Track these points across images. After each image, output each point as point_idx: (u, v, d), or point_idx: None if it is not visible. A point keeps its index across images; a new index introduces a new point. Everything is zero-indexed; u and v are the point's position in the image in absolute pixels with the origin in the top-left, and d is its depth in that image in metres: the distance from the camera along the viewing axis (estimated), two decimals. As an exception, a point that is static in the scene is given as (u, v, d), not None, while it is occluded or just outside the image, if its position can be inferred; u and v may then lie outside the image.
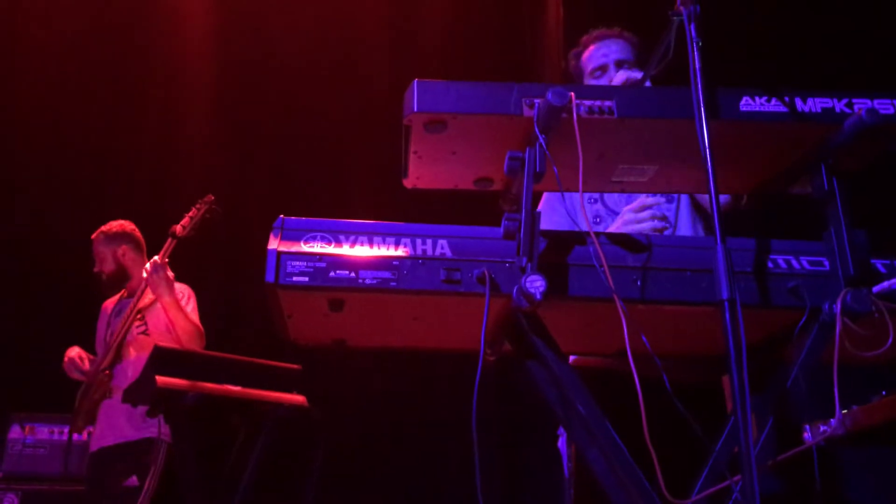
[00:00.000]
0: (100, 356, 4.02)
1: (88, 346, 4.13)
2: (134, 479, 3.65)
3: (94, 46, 5.87)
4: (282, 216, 1.62)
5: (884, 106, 1.64)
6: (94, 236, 4.26)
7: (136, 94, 5.90)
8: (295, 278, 1.56)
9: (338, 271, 1.57)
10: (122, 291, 4.22)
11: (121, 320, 4.00)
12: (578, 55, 2.75)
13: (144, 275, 3.86)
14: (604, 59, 2.68)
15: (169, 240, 3.93)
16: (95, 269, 4.23)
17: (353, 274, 1.57)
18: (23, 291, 5.37)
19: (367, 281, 1.57)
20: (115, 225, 4.27)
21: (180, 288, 4.06)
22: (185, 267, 4.04)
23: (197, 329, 3.94)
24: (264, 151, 5.90)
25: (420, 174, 1.77)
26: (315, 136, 5.81)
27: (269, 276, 1.56)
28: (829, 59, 4.43)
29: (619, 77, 2.58)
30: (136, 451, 3.73)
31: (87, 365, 3.97)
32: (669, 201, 2.57)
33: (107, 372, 3.91)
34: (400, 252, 1.59)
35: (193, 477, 3.27)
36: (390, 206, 3.89)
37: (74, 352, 4.01)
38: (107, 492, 3.77)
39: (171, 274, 3.88)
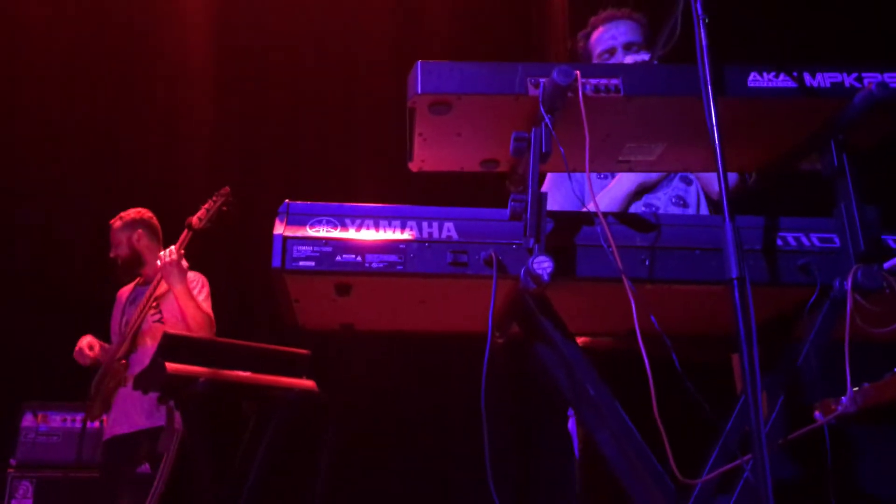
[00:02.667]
0: (115, 344, 4.04)
1: (100, 335, 4.15)
2: (146, 467, 3.67)
3: (97, 37, 5.86)
4: (287, 201, 1.61)
5: (894, 80, 1.61)
6: (111, 222, 4.29)
7: (140, 83, 5.89)
8: (301, 263, 1.55)
9: (344, 255, 1.56)
10: (138, 279, 4.24)
11: (136, 308, 4.02)
12: (587, 36, 2.68)
13: (159, 263, 3.88)
14: (612, 41, 2.61)
15: (185, 231, 3.96)
16: (111, 255, 4.26)
17: (359, 258, 1.56)
18: (35, 281, 5.40)
19: (374, 265, 1.56)
20: (132, 211, 4.31)
21: (193, 276, 4.08)
22: (194, 253, 4.04)
23: (207, 318, 3.95)
24: (270, 137, 5.89)
25: (425, 156, 1.76)
26: (321, 121, 5.80)
27: (276, 262, 1.56)
28: (840, 37, 4.38)
29: (628, 61, 2.55)
30: (150, 439, 3.75)
31: (97, 352, 3.99)
32: (687, 184, 2.55)
33: (123, 361, 3.93)
34: (406, 235, 1.58)
35: (204, 462, 3.29)
36: (397, 189, 3.88)
37: (86, 340, 4.03)
38: (121, 479, 3.79)
39: (185, 264, 3.90)
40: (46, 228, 5.54)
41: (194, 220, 3.97)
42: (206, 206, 4.04)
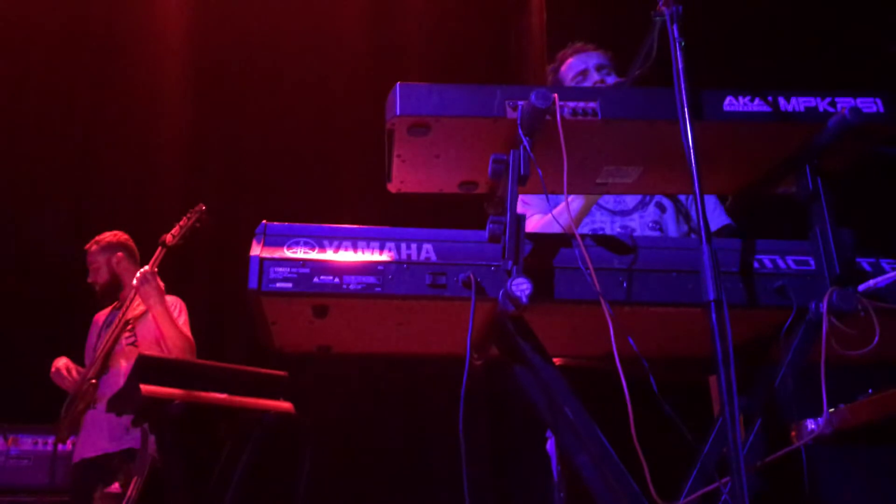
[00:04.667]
0: (87, 366, 4.00)
1: (74, 357, 4.10)
2: (116, 487, 3.61)
3: (72, 54, 5.82)
4: (264, 222, 1.60)
5: (867, 104, 1.64)
6: (88, 247, 4.25)
7: (116, 102, 5.84)
8: (278, 284, 1.54)
9: (322, 277, 1.55)
10: (115, 303, 4.21)
11: (110, 331, 3.98)
12: (556, 70, 2.79)
13: (134, 283, 3.85)
14: (583, 64, 2.71)
15: (159, 249, 3.93)
16: (90, 280, 4.21)
17: (337, 279, 1.55)
18: (6, 302, 5.32)
19: (352, 286, 1.55)
20: (108, 235, 4.28)
21: (172, 301, 4.06)
22: (170, 274, 4.01)
23: (188, 342, 3.93)
24: (248, 158, 5.87)
25: (404, 178, 1.76)
26: (299, 141, 5.78)
27: (252, 283, 1.54)
28: (813, 61, 4.46)
29: (608, 81, 2.61)
30: (118, 462, 3.70)
31: (74, 375, 3.94)
32: (662, 210, 2.58)
33: (93, 381, 3.89)
34: (384, 257, 1.58)
35: (180, 486, 3.24)
36: (376, 210, 3.88)
37: (62, 362, 3.99)
38: (89, 501, 3.72)
39: (161, 284, 3.87)
40: (19, 248, 5.47)
41: (168, 237, 3.95)
42: (181, 223, 4.01)
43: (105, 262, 4.18)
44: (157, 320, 3.85)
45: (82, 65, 5.84)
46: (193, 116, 5.80)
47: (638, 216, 2.55)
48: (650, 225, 2.53)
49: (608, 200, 2.60)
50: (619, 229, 2.49)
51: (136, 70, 5.87)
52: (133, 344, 3.95)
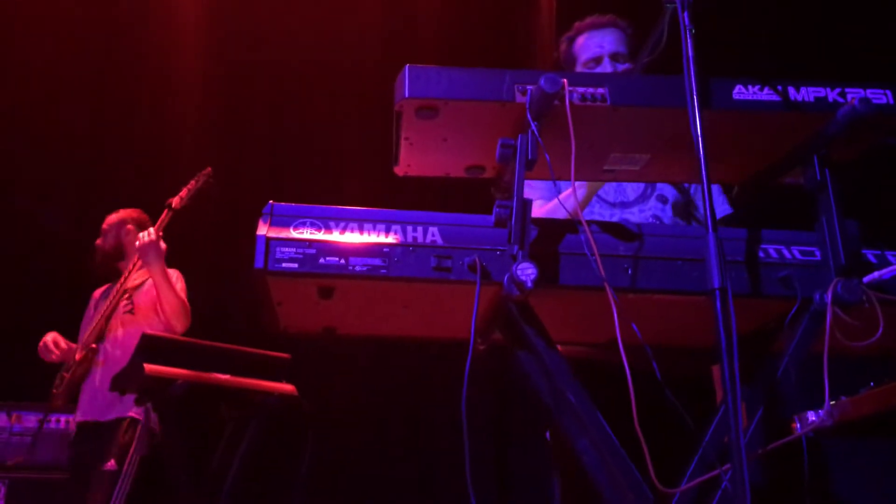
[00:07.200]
0: (84, 335, 4.04)
1: (72, 334, 4.13)
2: (112, 464, 3.63)
3: (87, 32, 5.82)
4: (271, 202, 1.61)
5: (877, 96, 1.63)
6: (109, 215, 4.31)
7: (128, 81, 5.86)
8: (284, 265, 1.54)
9: (328, 258, 1.55)
10: (115, 281, 4.23)
11: (109, 299, 4.04)
12: (571, 40, 2.66)
13: (137, 244, 3.89)
14: (598, 49, 2.58)
15: (165, 211, 4.00)
16: (97, 243, 4.25)
17: (342, 261, 1.55)
18: (8, 279, 5.34)
19: (358, 268, 1.55)
20: (131, 210, 4.35)
21: (170, 273, 4.08)
22: (173, 252, 4.03)
23: (183, 305, 3.96)
24: (256, 138, 5.88)
25: (411, 161, 1.76)
26: (308, 123, 5.79)
27: (258, 263, 1.54)
28: (823, 52, 4.44)
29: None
30: (114, 431, 3.73)
31: (63, 346, 3.99)
32: (664, 202, 2.55)
33: (93, 346, 3.94)
34: (390, 239, 1.58)
35: (182, 466, 3.26)
36: (382, 193, 3.88)
37: (51, 336, 4.04)
38: (88, 477, 3.75)
39: (163, 245, 3.91)
40: (22, 226, 5.49)
41: (175, 200, 4.03)
42: (188, 185, 4.10)
43: (115, 230, 4.23)
44: (155, 280, 3.90)
45: (96, 42, 5.84)
46: (203, 97, 5.81)
47: (638, 209, 2.52)
48: (650, 219, 2.50)
49: (608, 192, 2.56)
50: None
51: (147, 49, 5.87)
52: (130, 311, 4.00)
